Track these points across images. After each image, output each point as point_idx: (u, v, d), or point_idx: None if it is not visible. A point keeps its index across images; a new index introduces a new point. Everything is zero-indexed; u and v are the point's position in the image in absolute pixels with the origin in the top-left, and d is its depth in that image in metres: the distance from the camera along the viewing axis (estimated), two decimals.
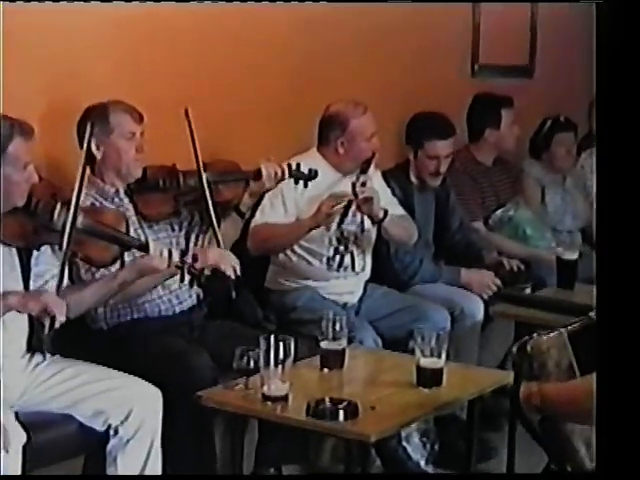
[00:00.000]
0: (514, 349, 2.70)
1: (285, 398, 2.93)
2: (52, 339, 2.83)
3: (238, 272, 3.23)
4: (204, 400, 3.02)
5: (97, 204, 3.44)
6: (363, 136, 4.01)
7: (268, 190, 3.68)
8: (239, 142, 4.20)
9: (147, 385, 3.06)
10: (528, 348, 2.67)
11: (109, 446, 3.02)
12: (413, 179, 4.48)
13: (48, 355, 3.07)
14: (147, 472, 3.03)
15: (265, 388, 2.92)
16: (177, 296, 3.58)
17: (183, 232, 3.63)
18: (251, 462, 3.54)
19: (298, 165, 3.72)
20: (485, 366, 3.90)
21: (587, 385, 2.38)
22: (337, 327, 3.20)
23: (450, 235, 4.65)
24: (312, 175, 3.74)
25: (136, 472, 3.02)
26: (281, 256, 4.04)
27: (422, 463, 3.77)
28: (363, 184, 3.85)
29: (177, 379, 3.16)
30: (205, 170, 3.45)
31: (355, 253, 4.10)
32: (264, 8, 4.19)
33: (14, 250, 3.03)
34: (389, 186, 4.27)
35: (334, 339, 3.22)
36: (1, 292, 2.85)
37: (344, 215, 3.81)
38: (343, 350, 3.24)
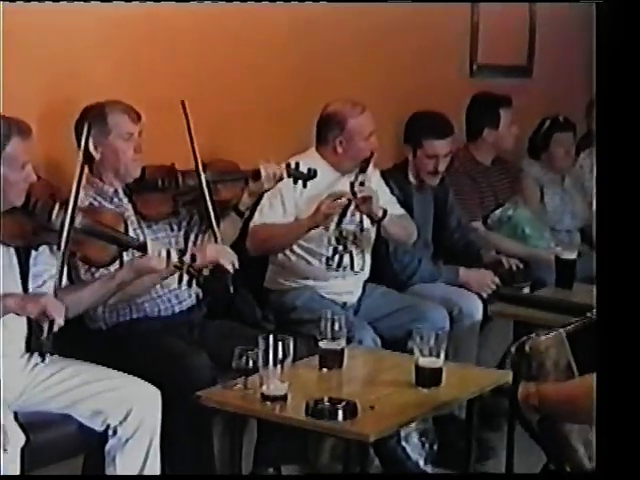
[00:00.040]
0: (512, 349, 2.70)
1: (284, 398, 2.93)
2: (52, 341, 2.82)
3: (236, 266, 3.23)
4: (203, 400, 3.02)
5: (96, 204, 3.44)
6: (361, 135, 4.01)
7: (267, 190, 3.68)
8: (239, 142, 4.20)
9: (146, 385, 3.06)
10: (526, 348, 2.67)
11: (108, 446, 3.02)
12: (412, 179, 4.48)
13: (47, 356, 3.07)
14: (146, 472, 3.03)
15: (264, 388, 2.92)
16: (176, 296, 3.58)
17: (182, 232, 3.63)
18: (250, 462, 3.55)
19: (297, 165, 3.72)
20: (484, 366, 3.90)
21: (585, 385, 2.39)
22: (336, 327, 3.21)
23: (449, 235, 4.65)
24: (311, 175, 3.74)
25: (135, 472, 3.02)
26: (280, 256, 4.04)
27: (421, 463, 3.77)
28: (362, 184, 3.86)
29: (176, 379, 3.16)
30: (204, 170, 3.45)
31: (354, 253, 4.10)
32: (264, 8, 4.20)
33: (12, 250, 3.03)
34: (388, 186, 4.27)
35: (333, 339, 3.22)
36: (0, 293, 2.86)
37: (343, 215, 3.81)
38: (342, 350, 3.24)
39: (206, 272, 3.16)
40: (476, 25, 5.43)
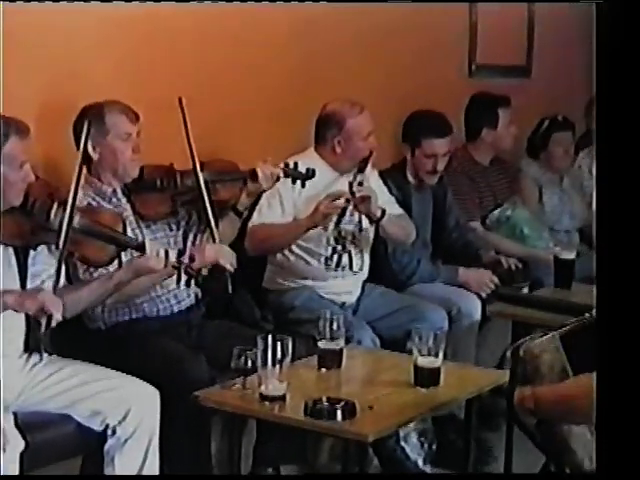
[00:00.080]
0: (508, 353, 2.70)
1: (283, 398, 2.93)
2: (50, 338, 2.82)
3: (235, 266, 3.23)
4: (202, 400, 3.02)
5: (94, 204, 3.43)
6: (360, 135, 4.01)
7: (265, 190, 3.68)
8: (238, 142, 4.20)
9: (145, 385, 3.06)
10: (521, 352, 2.67)
11: (107, 446, 3.01)
12: (410, 178, 4.48)
13: (45, 354, 3.07)
14: (145, 472, 3.03)
15: (263, 388, 2.92)
16: (175, 296, 3.57)
17: (181, 232, 3.63)
18: (249, 462, 3.54)
19: (295, 164, 3.72)
20: (482, 366, 3.89)
21: (579, 384, 2.39)
22: (335, 327, 3.21)
23: (447, 234, 4.65)
24: (309, 174, 3.74)
25: (134, 472, 3.02)
26: (279, 256, 4.04)
27: (420, 463, 3.77)
28: (360, 183, 3.85)
29: (175, 379, 3.15)
30: (202, 169, 3.45)
31: (353, 252, 4.09)
32: (264, 8, 4.20)
33: (11, 249, 3.03)
34: (386, 185, 4.27)
35: (332, 339, 3.22)
36: None
37: (342, 214, 3.81)
38: (341, 350, 3.24)
39: (205, 272, 3.16)
40: (475, 25, 5.43)
